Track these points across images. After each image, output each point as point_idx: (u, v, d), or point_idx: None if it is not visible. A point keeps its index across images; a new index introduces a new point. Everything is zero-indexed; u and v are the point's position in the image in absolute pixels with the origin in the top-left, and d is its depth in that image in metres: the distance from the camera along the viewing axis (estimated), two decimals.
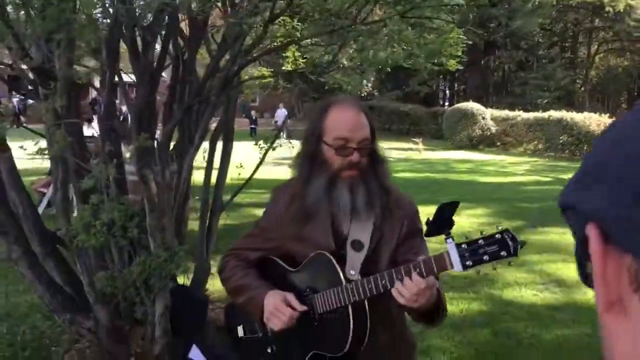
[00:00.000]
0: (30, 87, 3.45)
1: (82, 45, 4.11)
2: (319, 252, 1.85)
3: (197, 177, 4.65)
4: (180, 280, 4.34)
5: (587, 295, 5.73)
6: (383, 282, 1.71)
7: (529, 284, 5.94)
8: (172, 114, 4.14)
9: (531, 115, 23.01)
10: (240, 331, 2.08)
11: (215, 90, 3.49)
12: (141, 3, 2.86)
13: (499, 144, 23.82)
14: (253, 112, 30.07)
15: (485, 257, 1.56)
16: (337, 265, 1.80)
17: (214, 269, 4.74)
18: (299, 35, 9.31)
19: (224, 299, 5.27)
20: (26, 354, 4.01)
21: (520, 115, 23.39)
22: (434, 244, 2.02)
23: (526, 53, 33.80)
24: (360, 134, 1.83)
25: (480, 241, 1.57)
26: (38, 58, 2.75)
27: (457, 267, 1.58)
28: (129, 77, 3.99)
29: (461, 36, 7.93)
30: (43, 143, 3.18)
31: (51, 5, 2.14)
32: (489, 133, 23.69)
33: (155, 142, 3.59)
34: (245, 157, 4.96)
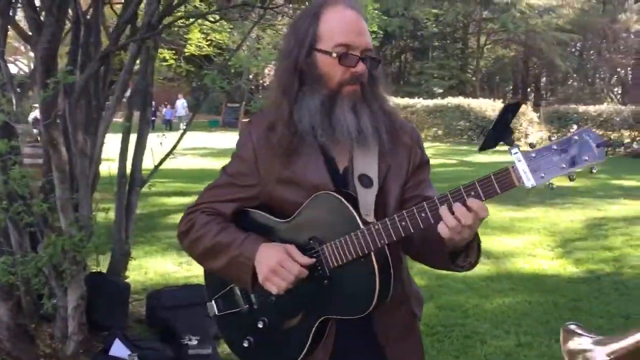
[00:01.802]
0: None
1: None
2: (323, 192, 1.46)
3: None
4: (94, 268, 3.76)
5: (517, 265, 5.76)
6: (423, 215, 1.35)
7: None
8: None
9: (431, 102, 23.65)
10: (212, 308, 1.64)
11: (138, 35, 2.96)
12: None
13: None
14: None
15: (563, 165, 1.21)
16: (350, 206, 1.42)
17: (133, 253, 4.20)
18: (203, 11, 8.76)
19: (141, 291, 4.73)
20: None
21: (420, 102, 23.98)
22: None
23: (421, 44, 34.83)
24: (365, 40, 1.49)
25: (553, 147, 1.22)
26: None
27: (529, 183, 1.23)
28: None
29: (376, 11, 7.78)
30: None
31: None
32: None
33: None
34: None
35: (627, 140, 16.46)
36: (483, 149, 1.35)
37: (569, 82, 38.05)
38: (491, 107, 21.06)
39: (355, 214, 1.42)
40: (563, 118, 18.42)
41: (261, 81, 28.08)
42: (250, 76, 26.44)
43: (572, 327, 1.02)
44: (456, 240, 1.34)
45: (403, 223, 1.37)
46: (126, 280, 3.89)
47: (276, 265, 1.43)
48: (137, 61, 3.67)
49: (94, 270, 3.68)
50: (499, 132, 1.28)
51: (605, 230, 7.22)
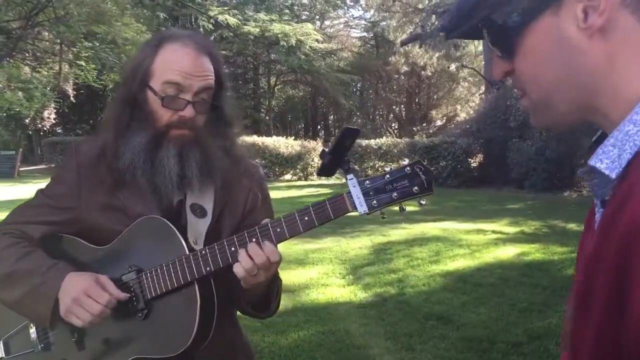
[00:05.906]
0: None
1: None
2: (147, 217, 1.35)
3: None
4: None
5: (311, 296, 5.86)
6: (254, 239, 1.30)
7: None
8: None
9: None
10: None
11: None
12: None
13: None
14: None
15: (395, 195, 1.24)
16: (175, 230, 1.33)
17: None
18: None
19: None
20: None
21: None
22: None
23: None
24: (200, 82, 1.38)
25: (387, 176, 1.25)
26: None
27: (362, 209, 1.24)
28: None
29: None
30: None
31: None
32: None
33: None
34: None
35: None
36: (321, 174, 1.29)
37: (354, 119, 41.13)
38: (284, 144, 21.89)
39: (181, 238, 1.32)
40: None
41: (40, 125, 25.82)
42: (27, 120, 24.13)
43: None
44: (252, 283, 1.32)
45: (232, 248, 1.30)
46: None
47: (80, 294, 1.26)
48: None
49: None
50: (337, 157, 1.24)
51: (390, 254, 7.75)
